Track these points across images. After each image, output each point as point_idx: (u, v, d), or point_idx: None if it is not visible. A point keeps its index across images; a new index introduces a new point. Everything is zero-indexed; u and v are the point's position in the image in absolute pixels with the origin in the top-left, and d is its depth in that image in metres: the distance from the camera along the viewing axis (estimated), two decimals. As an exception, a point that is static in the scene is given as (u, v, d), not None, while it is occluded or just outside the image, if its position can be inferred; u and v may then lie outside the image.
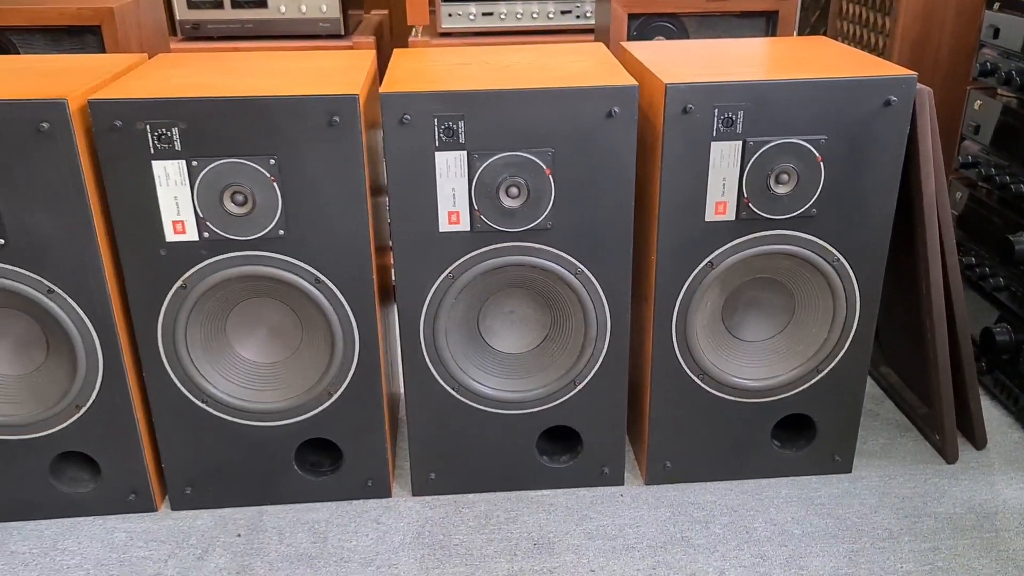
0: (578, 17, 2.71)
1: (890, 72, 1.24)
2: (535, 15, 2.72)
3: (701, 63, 1.34)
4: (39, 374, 1.34)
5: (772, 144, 1.24)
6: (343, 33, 2.72)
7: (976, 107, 1.71)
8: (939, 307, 1.40)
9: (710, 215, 1.29)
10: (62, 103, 1.15)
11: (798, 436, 1.49)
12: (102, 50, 1.87)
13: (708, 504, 1.43)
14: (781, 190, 1.27)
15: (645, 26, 1.97)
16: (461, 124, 1.21)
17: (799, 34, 2.79)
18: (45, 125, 1.16)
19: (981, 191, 1.72)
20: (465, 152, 1.23)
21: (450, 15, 2.69)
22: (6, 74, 1.29)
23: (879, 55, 2.39)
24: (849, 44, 2.47)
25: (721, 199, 1.28)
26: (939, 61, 2.29)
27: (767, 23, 1.95)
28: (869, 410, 1.68)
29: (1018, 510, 1.40)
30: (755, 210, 1.28)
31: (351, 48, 2.67)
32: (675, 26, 1.96)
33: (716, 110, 1.22)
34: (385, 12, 3.35)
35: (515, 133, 1.22)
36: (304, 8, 2.73)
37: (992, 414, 1.65)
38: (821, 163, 1.26)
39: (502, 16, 2.72)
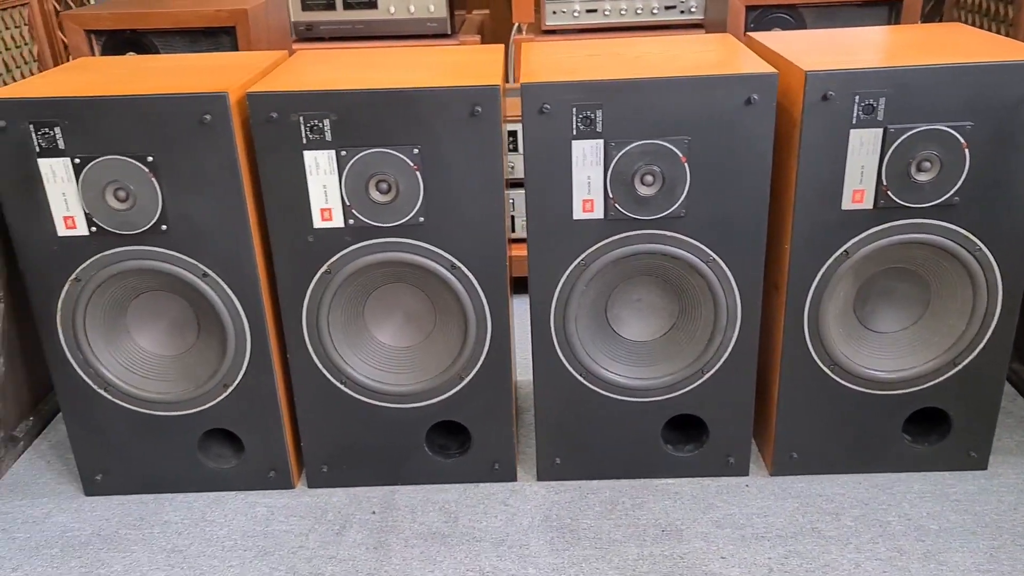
0: (682, 12, 2.70)
1: (1040, 56, 1.21)
2: (639, 10, 2.72)
3: (837, 51, 1.33)
4: (190, 354, 1.42)
5: (915, 131, 1.22)
6: (450, 32, 2.78)
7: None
8: (1086, 300, 1.35)
9: (847, 203, 1.28)
10: (223, 96, 1.22)
11: (931, 431, 1.46)
12: (235, 50, 1.96)
13: (837, 496, 1.41)
14: (923, 178, 1.25)
15: (762, 18, 1.96)
16: (599, 113, 1.23)
17: (914, 25, 2.71)
18: (207, 117, 1.23)
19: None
20: (602, 141, 1.25)
21: (554, 12, 2.72)
22: (165, 72, 1.37)
23: (1004, 44, 2.31)
24: (971, 33, 2.39)
25: (859, 187, 1.26)
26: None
27: (889, 13, 1.91)
28: (1003, 407, 1.62)
29: None
30: (894, 198, 1.26)
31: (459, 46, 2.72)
32: (793, 17, 1.94)
33: (857, 97, 1.21)
34: (486, 12, 3.41)
35: (652, 121, 1.24)
36: (413, 8, 2.80)
37: None
38: (966, 150, 1.23)
39: (606, 12, 2.73)
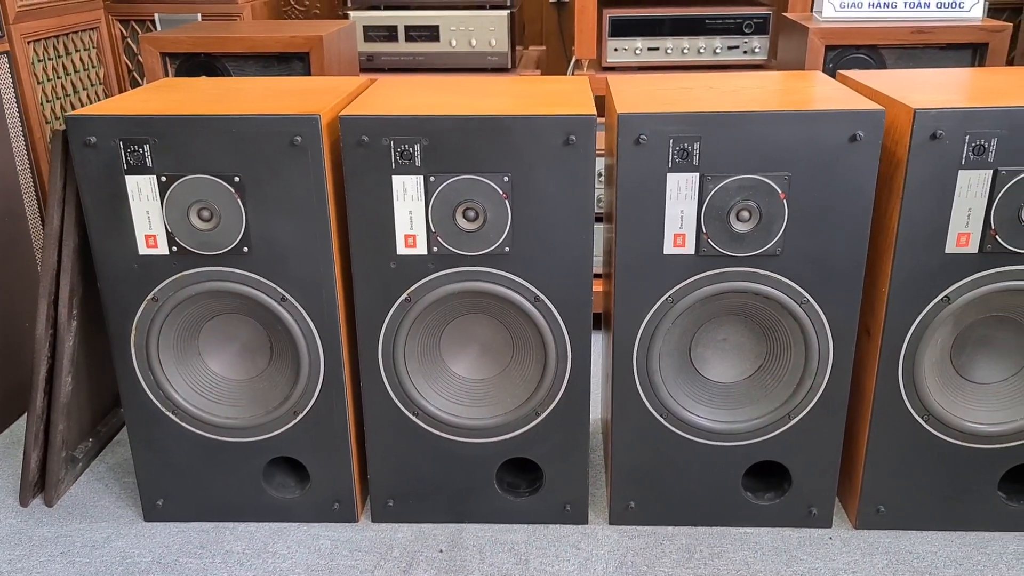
0: (745, 52, 2.67)
1: None
2: (701, 50, 2.70)
3: (941, 89, 1.29)
4: (261, 379, 1.39)
5: (1026, 174, 1.18)
6: (510, 67, 2.78)
7: None
8: None
9: (951, 247, 1.23)
10: (315, 119, 1.21)
11: (1027, 488, 1.39)
12: (308, 76, 1.96)
13: (928, 554, 1.34)
14: (1033, 223, 1.20)
15: (840, 58, 1.92)
16: (696, 145, 1.20)
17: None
18: (298, 139, 1.21)
19: None
20: (698, 174, 1.21)
21: (616, 50, 2.71)
22: (253, 93, 1.37)
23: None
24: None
25: (964, 230, 1.22)
26: None
27: (974, 56, 1.87)
28: (1095, 467, 1.55)
29: None
30: (1002, 243, 1.21)
31: (541, 77, 2.72)
32: (873, 59, 1.91)
33: (967, 136, 1.17)
34: (543, 48, 3.41)
35: (751, 156, 1.20)
36: (474, 42, 2.80)
37: None
38: (1080, 195, 1.18)
39: (668, 51, 2.72)
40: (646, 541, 1.39)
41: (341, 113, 1.21)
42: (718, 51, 2.71)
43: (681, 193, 1.23)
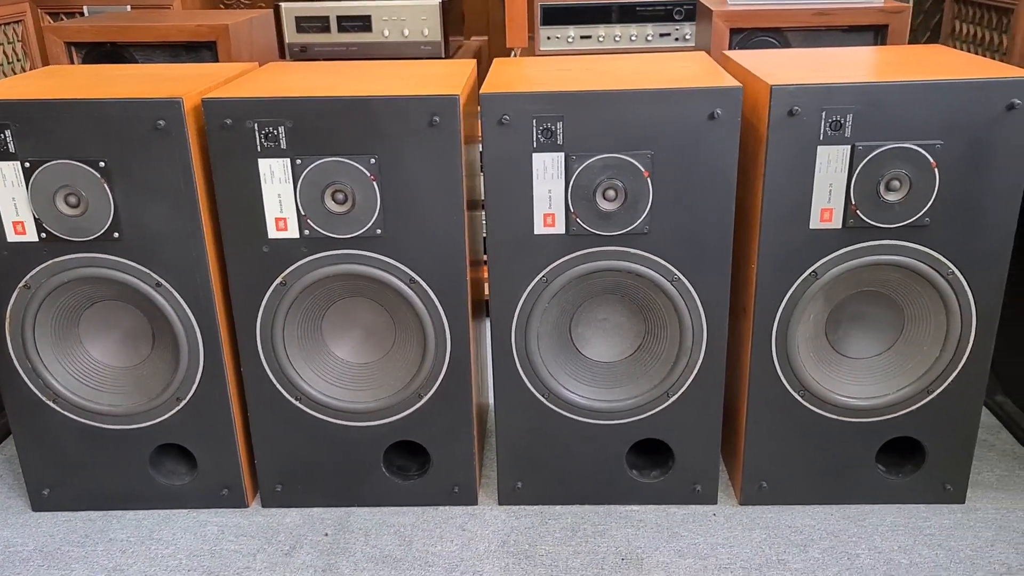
0: (677, 40, 2.68)
1: (1014, 74, 1.17)
2: (633, 38, 2.71)
3: (808, 67, 1.30)
4: (144, 366, 1.39)
5: (883, 149, 1.19)
6: (444, 56, 2.78)
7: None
8: (1065, 328, 1.30)
9: (815, 223, 1.24)
10: (178, 102, 1.20)
11: (906, 461, 1.40)
12: (215, 65, 1.95)
13: (806, 528, 1.36)
14: (892, 197, 1.21)
15: (746, 41, 1.94)
16: (560, 125, 1.21)
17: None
18: (162, 123, 1.21)
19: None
20: (563, 154, 1.22)
21: (548, 38, 2.71)
22: (129, 79, 1.36)
23: (994, 74, 2.28)
24: (962, 63, 2.38)
25: (827, 206, 1.23)
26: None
27: (875, 38, 1.89)
28: (984, 440, 1.57)
29: None
30: (864, 218, 1.23)
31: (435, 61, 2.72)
32: (778, 40, 1.92)
33: (824, 113, 1.18)
34: (484, 38, 3.41)
35: (614, 135, 1.21)
36: (407, 32, 2.80)
37: (1123, 450, 1.53)
38: (936, 169, 1.20)
39: (600, 39, 2.72)
40: (532, 521, 1.40)
41: (203, 96, 1.21)
42: (650, 38, 2.72)
43: (548, 173, 1.23)
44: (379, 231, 1.27)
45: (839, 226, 1.24)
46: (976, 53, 2.39)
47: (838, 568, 1.27)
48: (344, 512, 1.43)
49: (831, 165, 1.21)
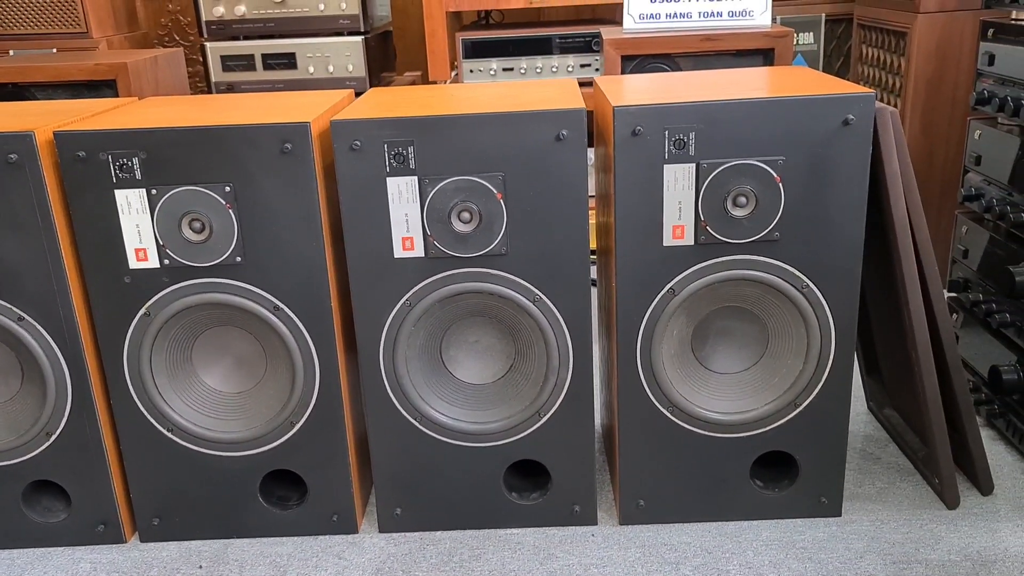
0: (597, 70, 2.73)
1: (847, 91, 1.21)
2: (554, 69, 2.75)
3: (661, 89, 1.33)
4: (13, 402, 1.38)
5: (726, 166, 1.22)
6: (368, 91, 2.81)
7: (976, 136, 1.65)
8: (923, 337, 1.32)
9: (668, 240, 1.26)
10: (29, 135, 1.21)
11: (781, 476, 1.41)
12: (116, 102, 1.97)
13: (681, 545, 1.36)
14: (740, 213, 1.24)
15: (640, 68, 1.98)
16: (411, 149, 1.22)
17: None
18: (13, 156, 1.21)
19: (988, 224, 1.64)
20: (416, 177, 1.24)
21: (471, 71, 2.75)
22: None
23: (895, 96, 2.34)
24: (867, 86, 2.45)
25: (678, 223, 1.25)
26: (957, 99, 2.24)
27: (763, 62, 1.93)
28: (870, 454, 1.58)
29: (1021, 558, 1.29)
30: (714, 234, 1.25)
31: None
32: (669, 67, 1.96)
33: (667, 132, 1.21)
34: (418, 73, 3.46)
35: (465, 158, 1.23)
36: (331, 68, 2.84)
37: (1005, 459, 1.54)
38: (780, 184, 1.22)
39: (522, 71, 2.77)
40: (410, 547, 1.39)
41: (56, 128, 1.22)
42: (571, 69, 2.76)
43: (403, 196, 1.25)
44: (239, 258, 1.27)
45: (692, 242, 1.26)
46: (880, 76, 2.45)
47: (704, 584, 1.27)
48: (223, 544, 1.42)
49: (678, 183, 1.23)
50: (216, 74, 2.83)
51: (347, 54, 2.85)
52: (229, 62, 2.84)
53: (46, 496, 1.44)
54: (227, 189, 1.24)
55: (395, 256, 1.28)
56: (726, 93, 1.25)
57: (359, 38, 2.81)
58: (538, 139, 1.21)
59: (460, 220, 1.25)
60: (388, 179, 1.24)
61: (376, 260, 1.28)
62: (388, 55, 3.23)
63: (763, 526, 1.39)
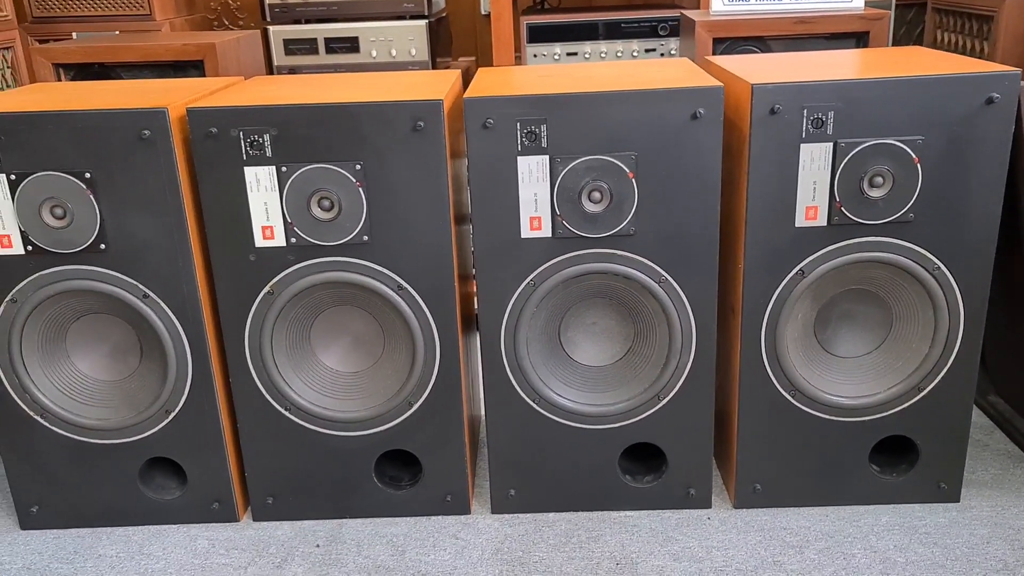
0: (662, 55, 2.71)
1: (993, 69, 1.19)
2: (619, 54, 2.73)
3: (789, 68, 1.32)
4: (133, 379, 1.38)
5: (865, 145, 1.20)
6: (431, 75, 2.79)
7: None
8: (1053, 321, 1.30)
9: (800, 221, 1.24)
10: (163, 111, 1.21)
11: (899, 460, 1.40)
12: (203, 84, 1.96)
13: (801, 529, 1.35)
14: (876, 193, 1.22)
15: (730, 51, 1.95)
16: (543, 128, 1.21)
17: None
18: (147, 133, 1.21)
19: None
20: (547, 156, 1.23)
21: (535, 56, 2.73)
22: (115, 92, 1.36)
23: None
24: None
25: (812, 204, 1.23)
26: (1043, 85, 2.20)
27: (857, 44, 1.91)
28: (978, 440, 1.57)
29: None
30: (848, 215, 1.23)
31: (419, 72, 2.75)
32: (760, 49, 1.94)
33: (805, 110, 1.19)
34: (472, 59, 3.44)
35: (598, 137, 1.21)
36: (394, 52, 2.82)
37: (1117, 446, 1.52)
38: (918, 165, 1.21)
39: (587, 55, 2.74)
40: (525, 528, 1.39)
41: (188, 105, 1.22)
42: (635, 54, 2.74)
43: (533, 176, 1.24)
44: (366, 238, 1.27)
45: (824, 224, 1.24)
46: (958, 61, 2.41)
47: (834, 568, 1.26)
48: (336, 524, 1.42)
49: (814, 163, 1.21)
50: (278, 58, 2.82)
51: (410, 38, 2.84)
52: (292, 46, 2.83)
53: (159, 473, 1.44)
54: (357, 167, 1.23)
55: (522, 236, 1.27)
56: (862, 72, 1.23)
57: (423, 22, 2.80)
58: (674, 117, 1.20)
59: (591, 200, 1.24)
60: (519, 158, 1.23)
61: (503, 240, 1.27)
62: (445, 40, 3.22)
63: (881, 511, 1.38)
